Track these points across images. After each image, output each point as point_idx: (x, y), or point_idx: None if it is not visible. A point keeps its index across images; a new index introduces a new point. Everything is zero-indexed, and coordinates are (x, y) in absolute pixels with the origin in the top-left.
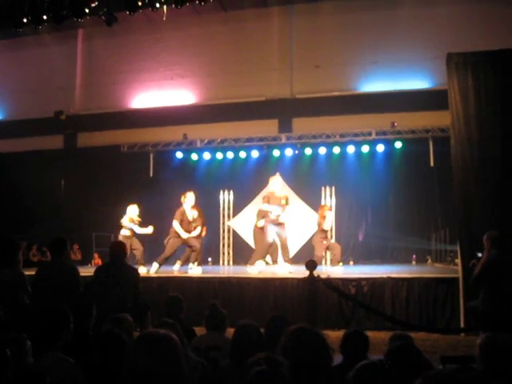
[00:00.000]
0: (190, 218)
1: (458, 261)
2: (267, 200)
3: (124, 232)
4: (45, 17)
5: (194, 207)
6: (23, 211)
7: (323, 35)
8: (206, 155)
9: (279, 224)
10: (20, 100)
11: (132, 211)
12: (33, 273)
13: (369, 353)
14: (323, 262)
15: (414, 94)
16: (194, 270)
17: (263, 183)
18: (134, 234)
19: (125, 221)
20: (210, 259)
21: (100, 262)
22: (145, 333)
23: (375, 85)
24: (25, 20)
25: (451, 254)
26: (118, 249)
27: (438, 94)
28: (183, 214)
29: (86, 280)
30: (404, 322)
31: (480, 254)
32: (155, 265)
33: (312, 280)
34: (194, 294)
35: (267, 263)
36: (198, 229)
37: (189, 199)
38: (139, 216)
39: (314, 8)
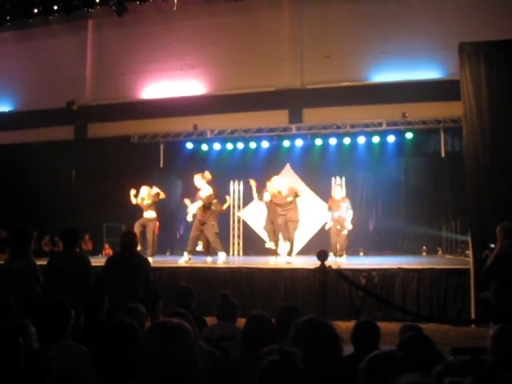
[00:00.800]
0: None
1: (469, 252)
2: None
3: (149, 214)
4: (55, 7)
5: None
6: (34, 201)
7: (333, 25)
8: (216, 146)
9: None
10: (30, 91)
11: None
12: (44, 263)
13: (379, 343)
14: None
15: (426, 84)
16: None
17: (273, 174)
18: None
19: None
20: None
21: (111, 252)
22: (158, 322)
23: (386, 75)
24: (35, 10)
25: (462, 245)
26: (129, 239)
27: (449, 85)
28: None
29: (97, 270)
30: (415, 312)
31: (493, 245)
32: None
33: (323, 270)
34: (204, 284)
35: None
36: (198, 202)
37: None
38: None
39: None
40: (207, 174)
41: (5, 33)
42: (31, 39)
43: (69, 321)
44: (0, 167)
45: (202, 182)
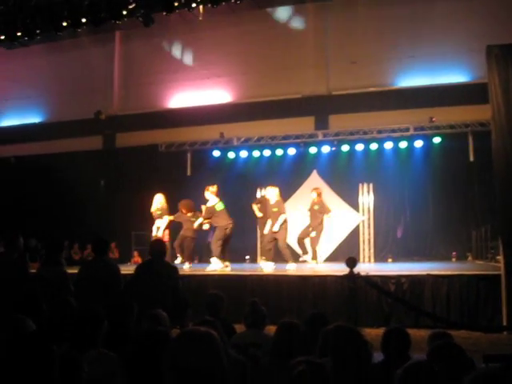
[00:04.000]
0: None
1: (500, 257)
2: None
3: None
4: (84, 20)
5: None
6: (64, 211)
7: (359, 30)
8: (243, 153)
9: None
10: (60, 102)
11: (157, 200)
12: (75, 271)
13: (410, 351)
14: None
15: (453, 87)
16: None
17: (300, 180)
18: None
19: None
20: (247, 257)
21: (139, 261)
22: (185, 330)
23: (413, 79)
24: (64, 23)
25: (492, 250)
26: (158, 247)
27: (477, 88)
28: None
29: (126, 278)
30: (445, 319)
31: None
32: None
33: (352, 277)
34: (232, 292)
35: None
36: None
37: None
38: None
39: (349, 3)
40: (212, 187)
41: (35, 46)
42: (60, 51)
43: (101, 329)
44: (30, 178)
45: (207, 194)
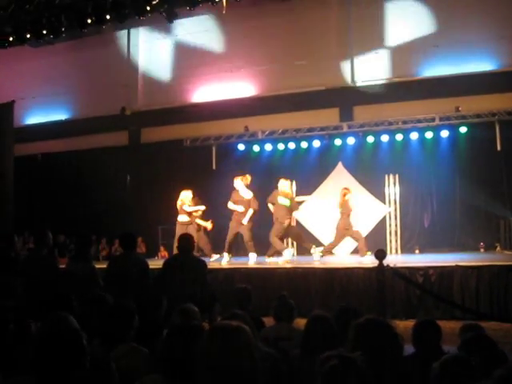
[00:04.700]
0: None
1: None
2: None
3: (181, 218)
4: (108, 16)
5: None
6: (91, 206)
7: (382, 20)
8: (268, 146)
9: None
10: (85, 99)
11: (184, 196)
12: (103, 266)
13: (441, 343)
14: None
15: (479, 76)
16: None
17: (326, 173)
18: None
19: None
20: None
21: (166, 255)
22: (217, 325)
23: (438, 69)
24: (89, 21)
25: None
26: (186, 241)
27: (504, 76)
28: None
29: (154, 272)
30: (474, 311)
31: None
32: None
33: (382, 270)
34: (259, 285)
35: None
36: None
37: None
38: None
39: None
40: (247, 178)
41: (60, 44)
42: (84, 49)
43: (133, 323)
44: (58, 174)
45: (241, 185)
